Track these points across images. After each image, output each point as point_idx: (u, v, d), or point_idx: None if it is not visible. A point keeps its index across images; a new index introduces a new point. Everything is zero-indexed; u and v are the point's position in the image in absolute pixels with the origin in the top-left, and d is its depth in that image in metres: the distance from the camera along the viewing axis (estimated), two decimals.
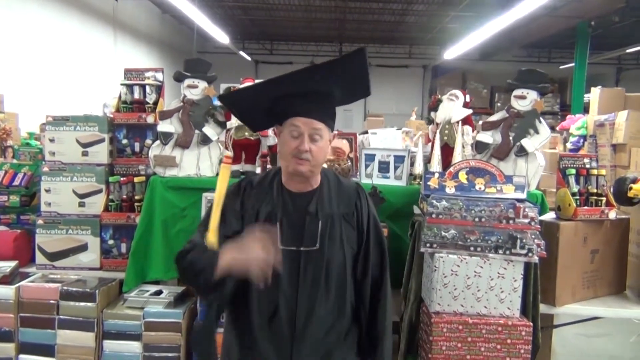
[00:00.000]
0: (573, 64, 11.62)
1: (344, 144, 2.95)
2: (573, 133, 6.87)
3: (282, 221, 1.77)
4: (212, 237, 1.70)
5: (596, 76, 12.89)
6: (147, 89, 3.12)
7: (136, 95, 3.11)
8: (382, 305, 1.87)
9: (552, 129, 8.70)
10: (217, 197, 1.76)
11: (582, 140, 6.74)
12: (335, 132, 1.93)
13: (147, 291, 2.85)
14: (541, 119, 2.79)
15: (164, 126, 2.89)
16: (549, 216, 2.81)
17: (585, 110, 8.67)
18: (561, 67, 14.75)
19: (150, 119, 3.05)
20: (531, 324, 2.29)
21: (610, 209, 2.76)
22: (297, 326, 1.75)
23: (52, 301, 2.75)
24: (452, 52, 12.90)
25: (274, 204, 1.79)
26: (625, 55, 13.93)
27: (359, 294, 1.87)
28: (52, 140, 3.06)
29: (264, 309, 1.76)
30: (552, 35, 12.00)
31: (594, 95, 6.68)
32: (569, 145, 6.90)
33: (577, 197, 2.74)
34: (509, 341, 2.25)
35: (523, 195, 2.43)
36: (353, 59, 1.73)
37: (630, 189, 2.84)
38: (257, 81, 2.86)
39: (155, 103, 3.10)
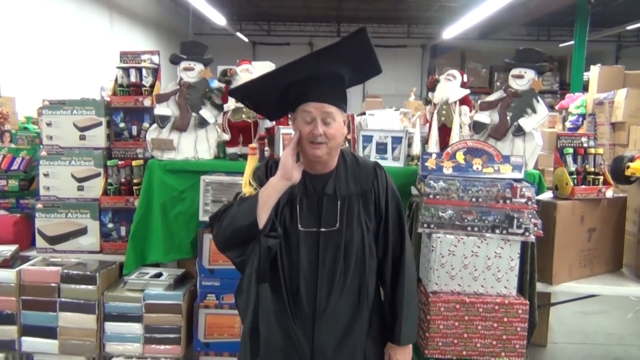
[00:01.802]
0: (573, 42, 11.53)
1: None
2: (572, 112, 6.84)
3: (301, 203, 1.80)
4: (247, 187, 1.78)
5: (596, 54, 12.80)
6: (144, 71, 3.11)
7: (133, 79, 3.10)
8: (400, 286, 1.86)
9: (552, 108, 8.69)
10: (245, 179, 1.84)
11: (581, 119, 6.72)
12: (349, 113, 1.93)
13: (147, 274, 2.87)
14: (539, 98, 2.78)
15: (161, 109, 2.88)
16: (547, 195, 2.82)
17: (585, 88, 8.62)
18: (561, 45, 14.64)
19: (147, 102, 3.04)
20: (528, 302, 2.31)
21: (607, 187, 2.77)
22: (318, 305, 1.77)
23: (53, 284, 2.77)
24: (451, 31, 12.80)
25: (293, 186, 1.80)
26: (625, 32, 13.83)
27: (381, 273, 1.89)
28: (49, 125, 3.06)
29: (287, 287, 1.79)
30: (551, 13, 11.89)
31: (593, 74, 6.64)
32: (568, 124, 6.88)
33: (575, 176, 2.74)
34: (505, 319, 2.27)
35: (520, 175, 2.43)
36: (355, 39, 1.72)
37: (628, 167, 2.85)
38: (254, 72, 2.87)
39: (152, 86, 3.09)
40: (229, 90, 1.98)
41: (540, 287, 2.63)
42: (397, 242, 1.88)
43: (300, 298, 1.78)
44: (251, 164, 1.89)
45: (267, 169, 1.87)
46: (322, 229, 1.79)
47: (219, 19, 11.80)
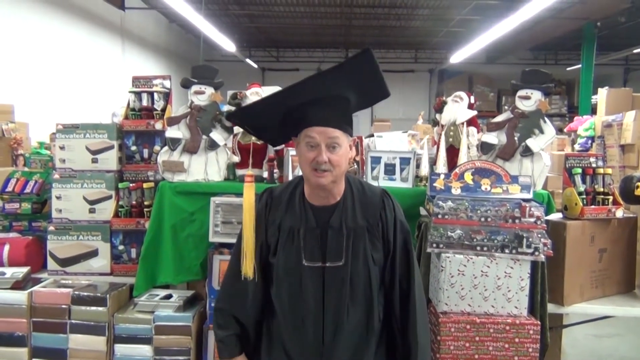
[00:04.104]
0: (580, 66, 11.58)
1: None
2: (581, 134, 6.85)
3: (305, 236, 1.74)
4: (248, 268, 1.79)
5: (604, 77, 12.86)
6: (155, 96, 3.16)
7: (144, 102, 3.15)
8: (412, 317, 1.80)
9: (560, 130, 8.70)
10: (247, 219, 1.81)
11: (590, 142, 6.72)
12: (355, 137, 1.88)
13: (157, 295, 2.87)
14: (546, 118, 2.80)
15: (171, 132, 2.92)
16: (556, 216, 2.82)
17: (593, 111, 8.64)
18: (568, 68, 14.72)
19: (158, 126, 3.09)
20: (539, 322, 2.29)
21: (617, 207, 2.76)
22: (325, 341, 1.74)
23: (63, 306, 2.78)
24: (458, 56, 12.93)
25: (295, 218, 1.76)
26: (633, 55, 13.88)
27: (390, 305, 1.84)
28: (62, 148, 3.11)
29: (290, 326, 1.77)
30: (558, 37, 12.01)
31: (601, 96, 6.66)
32: (577, 147, 6.88)
33: (584, 197, 2.74)
34: (517, 340, 2.25)
35: (529, 195, 2.43)
36: (359, 60, 1.67)
37: (637, 187, 2.84)
38: (263, 95, 2.90)
39: (163, 110, 3.15)
40: (227, 114, 1.90)
41: (551, 308, 2.61)
42: (405, 275, 1.83)
43: (306, 334, 1.75)
44: (249, 195, 1.82)
45: (262, 203, 1.83)
46: (327, 264, 1.73)
47: (229, 45, 12.01)
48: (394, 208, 1.84)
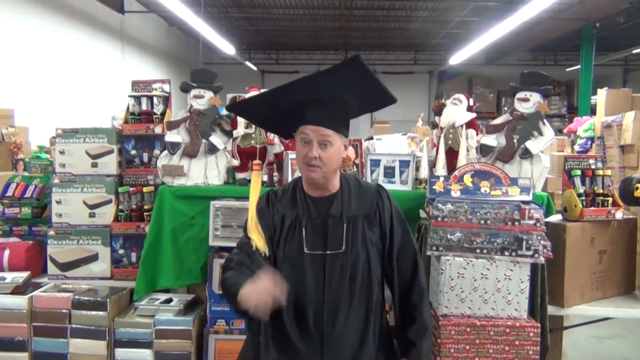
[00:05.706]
0: (579, 66, 11.58)
1: (349, 150, 2.98)
2: (580, 135, 6.84)
3: (307, 225, 1.82)
4: (258, 242, 1.83)
5: (603, 78, 12.84)
6: (155, 100, 3.17)
7: (144, 107, 3.16)
8: (417, 302, 1.88)
9: (560, 131, 8.69)
10: (252, 201, 1.92)
11: (589, 142, 6.71)
12: (350, 138, 1.97)
13: (158, 299, 2.88)
14: (545, 120, 2.80)
15: (171, 136, 2.92)
16: (556, 218, 2.82)
17: (593, 112, 8.62)
18: (567, 69, 14.70)
19: (158, 130, 3.09)
20: (539, 325, 2.29)
21: (616, 209, 2.76)
22: (325, 328, 1.78)
23: (64, 310, 2.78)
24: (457, 57, 12.93)
25: (297, 209, 1.84)
26: (632, 55, 13.86)
27: (392, 291, 1.91)
28: (62, 152, 3.11)
29: (292, 312, 1.79)
30: (557, 38, 11.99)
31: (601, 97, 6.65)
32: (576, 148, 6.87)
33: (583, 198, 2.74)
34: (517, 342, 2.25)
35: (529, 197, 2.43)
36: (348, 65, 1.75)
37: (637, 188, 2.83)
38: (261, 91, 2.93)
39: (163, 114, 3.15)
40: (227, 105, 2.08)
41: (552, 310, 2.61)
42: (410, 258, 1.90)
43: (307, 322, 1.78)
44: (256, 181, 1.95)
45: (269, 202, 1.90)
46: (328, 252, 1.80)
47: (228, 48, 12.00)
48: (390, 199, 1.93)
